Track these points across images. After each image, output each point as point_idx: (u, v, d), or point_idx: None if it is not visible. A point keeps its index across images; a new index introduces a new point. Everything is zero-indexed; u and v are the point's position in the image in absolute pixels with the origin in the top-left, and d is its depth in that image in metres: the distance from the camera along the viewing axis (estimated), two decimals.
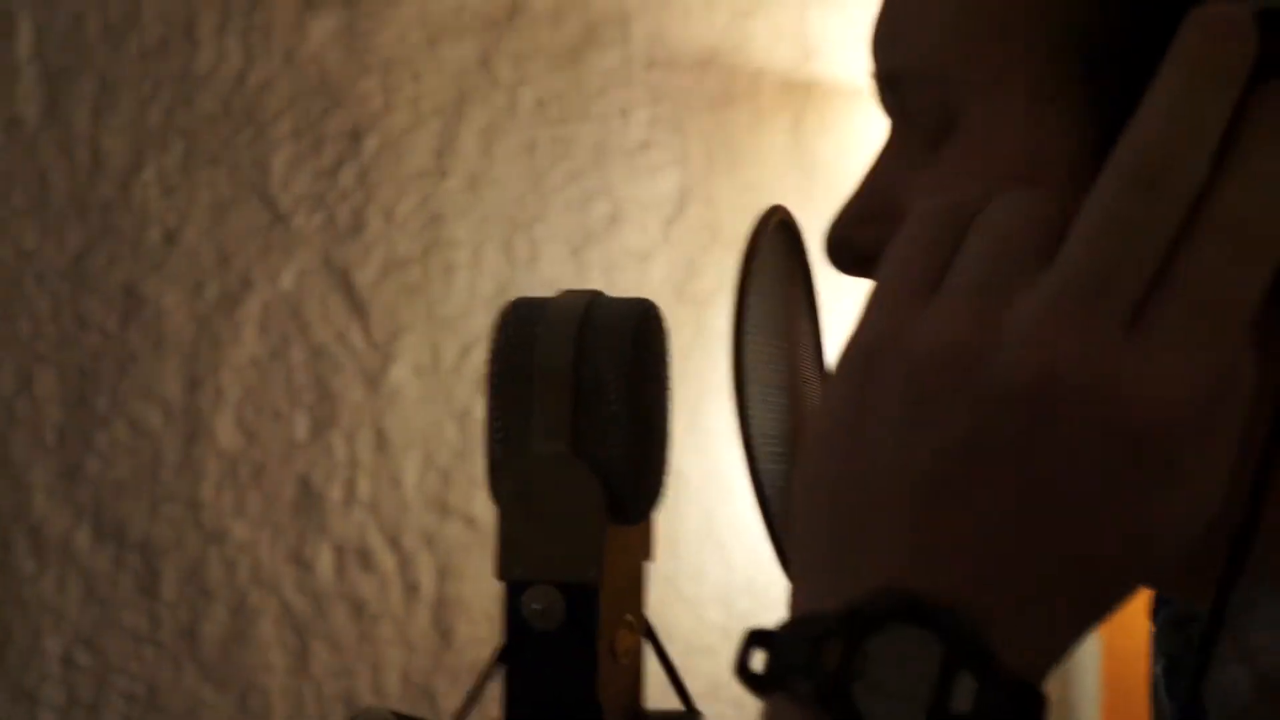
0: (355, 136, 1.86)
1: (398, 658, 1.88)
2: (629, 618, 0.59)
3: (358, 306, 1.87)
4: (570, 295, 0.57)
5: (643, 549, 0.61)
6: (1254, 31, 0.43)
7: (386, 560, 1.88)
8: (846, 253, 0.53)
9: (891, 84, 0.52)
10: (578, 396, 0.55)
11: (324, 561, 1.88)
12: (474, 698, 0.56)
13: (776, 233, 0.55)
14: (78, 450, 1.80)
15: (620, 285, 2.01)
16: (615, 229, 2.01)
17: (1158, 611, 0.55)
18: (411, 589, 1.84)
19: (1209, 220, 0.42)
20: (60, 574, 1.81)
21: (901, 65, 0.52)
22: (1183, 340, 0.42)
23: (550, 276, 1.96)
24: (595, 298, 0.57)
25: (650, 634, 0.61)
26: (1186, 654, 0.52)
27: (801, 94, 1.97)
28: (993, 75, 0.49)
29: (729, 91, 2.05)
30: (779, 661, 0.42)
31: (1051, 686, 0.66)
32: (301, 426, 1.88)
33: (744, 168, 2.12)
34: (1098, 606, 0.43)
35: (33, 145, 1.77)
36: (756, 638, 0.43)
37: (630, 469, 0.56)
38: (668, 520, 1.88)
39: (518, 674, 0.56)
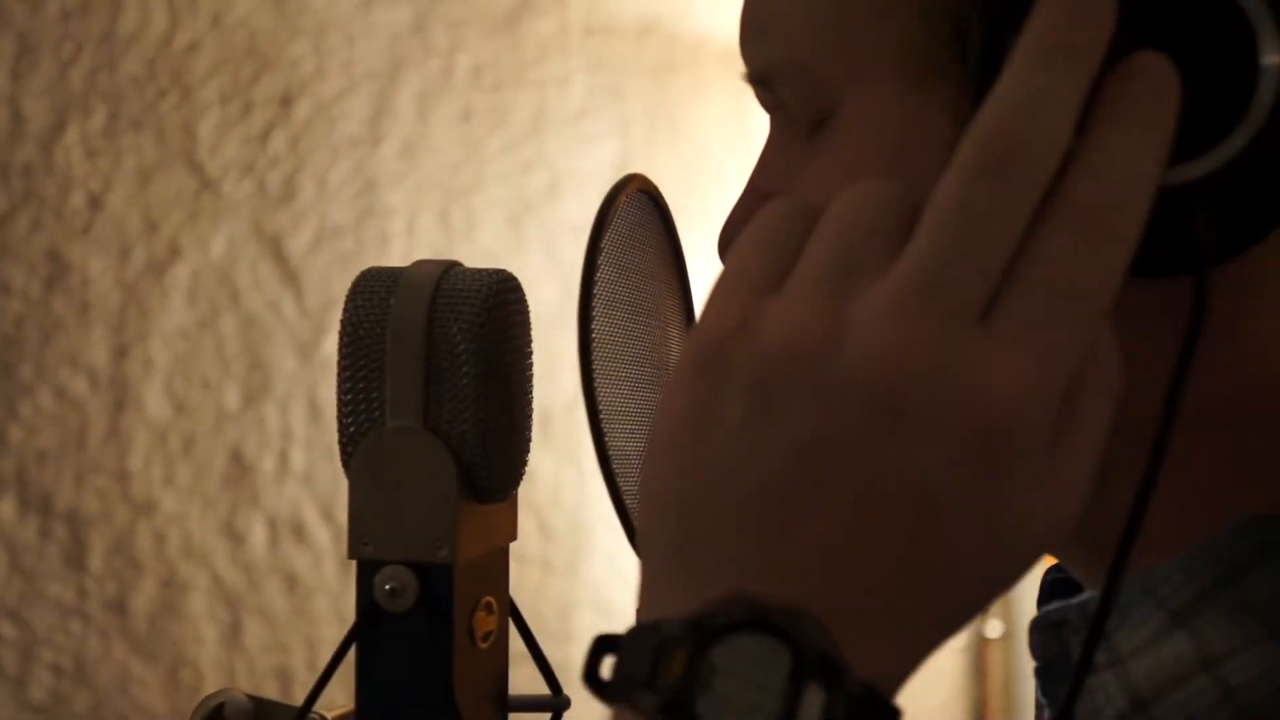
0: (286, 101, 1.82)
1: (331, 632, 1.86)
2: (489, 599, 0.56)
3: (290, 275, 1.84)
4: (424, 264, 0.55)
5: (506, 528, 0.58)
6: (1112, 6, 0.41)
7: (320, 533, 1.85)
8: None
9: (762, 82, 0.51)
10: (429, 368, 0.53)
11: (256, 534, 1.86)
12: (324, 680, 0.54)
13: (634, 204, 0.52)
14: (1, 419, 1.77)
15: (560, 256, 1.99)
16: (554, 199, 1.98)
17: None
18: (345, 563, 1.82)
19: (1060, 207, 0.40)
20: None
21: (769, 63, 0.50)
22: (1033, 332, 0.40)
23: (487, 247, 1.93)
24: (450, 268, 0.54)
25: (515, 616, 0.59)
26: (1059, 656, 0.50)
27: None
28: (862, 65, 0.47)
29: (670, 59, 2.02)
30: (621, 672, 0.40)
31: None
32: (233, 397, 1.85)
33: (685, 137, 2.09)
34: (956, 611, 0.41)
35: None
36: (604, 644, 0.41)
37: (485, 444, 0.54)
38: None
39: (370, 656, 0.54)
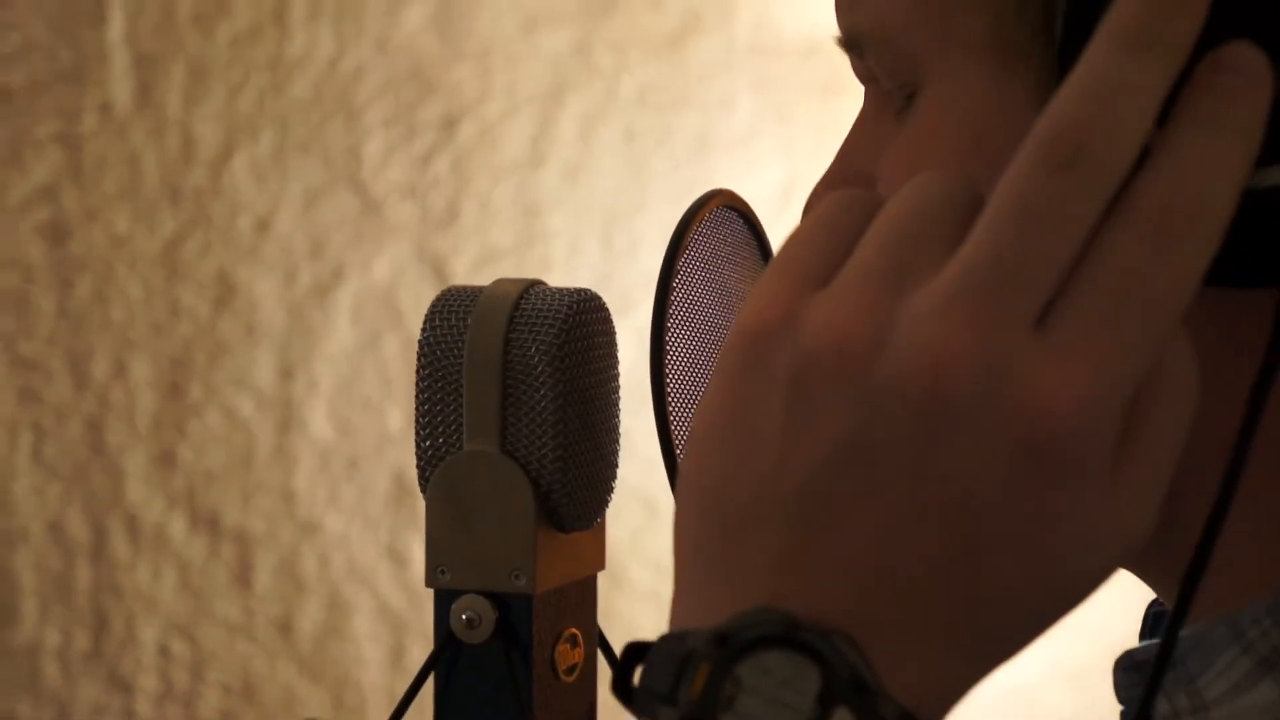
0: (449, 124, 1.84)
1: None
2: (573, 631, 0.54)
3: None
4: (504, 283, 0.53)
5: (592, 557, 0.56)
6: None
7: None
8: None
9: (853, 47, 0.49)
10: (506, 390, 0.51)
11: (418, 556, 1.87)
12: (402, 710, 0.53)
13: (719, 219, 0.50)
14: (171, 438, 1.81)
15: None
16: None
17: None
18: None
19: (1131, 208, 0.37)
20: (155, 562, 1.82)
21: (860, 27, 0.48)
22: (1094, 341, 0.37)
23: (649, 269, 1.92)
24: (531, 286, 0.53)
25: (605, 649, 0.57)
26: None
27: None
28: (950, 40, 0.45)
29: (836, 80, 2.00)
30: (646, 683, 0.38)
31: None
32: (395, 418, 1.86)
33: None
34: (1003, 637, 0.38)
35: (124, 131, 1.78)
36: (635, 653, 0.39)
37: (565, 470, 0.52)
38: None
39: (448, 688, 0.53)
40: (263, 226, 1.81)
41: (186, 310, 1.80)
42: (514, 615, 0.52)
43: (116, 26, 1.77)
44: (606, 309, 0.54)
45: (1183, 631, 0.46)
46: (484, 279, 1.95)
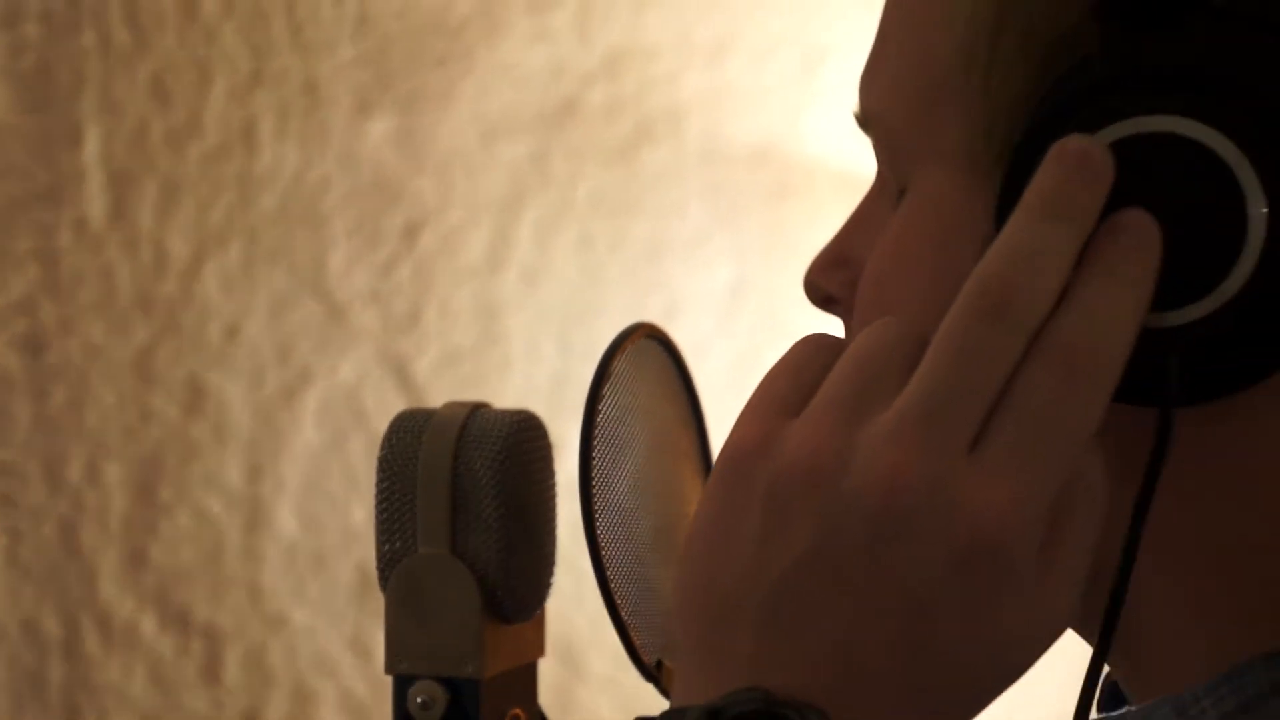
0: (411, 232, 1.91)
1: None
2: (516, 712, 0.61)
3: (415, 398, 1.92)
4: (453, 406, 0.60)
5: (533, 645, 0.63)
6: (1110, 166, 0.45)
7: None
8: (814, 294, 0.57)
9: (864, 125, 0.54)
10: (455, 500, 0.58)
11: (381, 648, 1.91)
12: None
13: (641, 348, 0.58)
14: (143, 538, 1.86)
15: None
16: (672, 321, 2.04)
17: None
18: None
19: (1046, 348, 0.44)
20: (126, 659, 1.86)
21: (870, 109, 0.53)
22: (1016, 461, 0.44)
23: None
24: (476, 409, 0.60)
25: None
26: None
27: (858, 187, 2.00)
28: (934, 149, 0.50)
29: (784, 185, 2.08)
30: None
31: None
32: (359, 515, 1.92)
33: (801, 260, 2.14)
34: (955, 710, 0.45)
35: (99, 245, 1.84)
36: None
37: (507, 569, 0.59)
38: None
39: None
40: (232, 333, 1.87)
41: (158, 415, 1.86)
42: (464, 698, 0.58)
43: (92, 147, 1.84)
44: (544, 427, 0.61)
45: (1133, 709, 0.53)
46: (445, 380, 2.01)
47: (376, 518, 0.60)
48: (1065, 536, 0.45)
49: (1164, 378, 0.46)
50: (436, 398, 1.93)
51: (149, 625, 1.86)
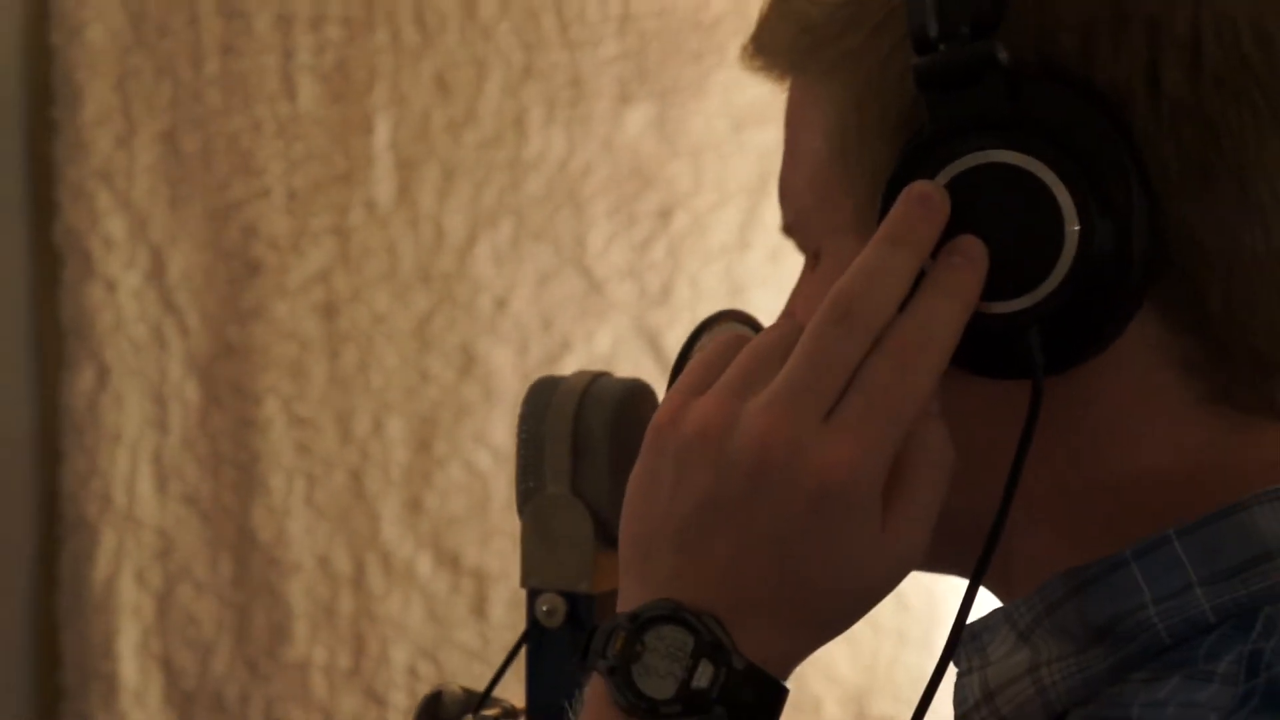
0: (665, 214, 2.04)
1: None
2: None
3: (666, 366, 2.06)
4: (580, 375, 0.76)
5: None
6: (946, 201, 0.58)
7: None
8: None
9: (787, 231, 0.70)
10: (575, 450, 0.74)
11: None
12: (499, 675, 0.75)
13: (726, 332, 0.72)
14: (420, 487, 2.04)
15: None
16: None
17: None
18: None
19: (885, 344, 0.59)
20: (405, 594, 2.05)
21: (787, 219, 0.69)
22: (858, 427, 0.58)
23: None
24: (598, 377, 0.75)
25: None
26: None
27: None
28: (832, 225, 0.65)
29: None
30: (591, 647, 0.60)
31: None
32: None
33: None
34: (824, 621, 0.60)
35: (386, 223, 2.03)
36: (593, 630, 0.61)
37: (614, 506, 0.74)
38: None
39: (532, 661, 0.75)
40: (501, 304, 2.04)
41: (435, 377, 2.04)
42: (579, 609, 0.74)
43: (382, 135, 2.02)
44: (650, 391, 0.76)
45: (985, 617, 0.66)
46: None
47: (517, 462, 0.76)
48: (906, 488, 0.58)
49: (1029, 349, 0.58)
50: None
51: (424, 565, 2.04)
